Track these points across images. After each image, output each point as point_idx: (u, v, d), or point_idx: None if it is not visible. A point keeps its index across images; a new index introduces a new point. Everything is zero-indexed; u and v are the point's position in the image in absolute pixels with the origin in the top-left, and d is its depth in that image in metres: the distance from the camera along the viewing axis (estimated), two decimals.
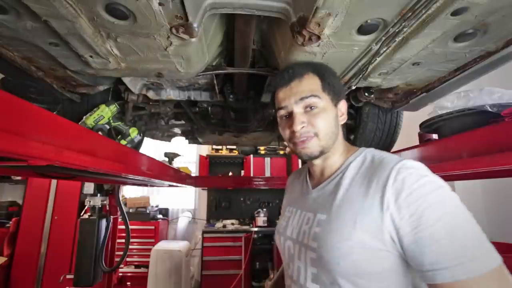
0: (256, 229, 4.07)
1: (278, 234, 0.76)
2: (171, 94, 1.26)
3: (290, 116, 0.69)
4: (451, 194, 0.51)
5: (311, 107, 0.67)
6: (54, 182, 3.17)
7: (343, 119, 0.73)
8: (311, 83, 0.68)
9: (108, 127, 1.20)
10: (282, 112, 0.71)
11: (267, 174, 4.57)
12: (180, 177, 2.02)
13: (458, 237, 0.47)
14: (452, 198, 0.51)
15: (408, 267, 0.54)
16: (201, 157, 4.73)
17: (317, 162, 0.72)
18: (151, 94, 1.24)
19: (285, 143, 0.74)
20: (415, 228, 0.49)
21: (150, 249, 3.37)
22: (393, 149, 1.41)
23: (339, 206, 0.61)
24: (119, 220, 2.11)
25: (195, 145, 4.09)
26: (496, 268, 0.45)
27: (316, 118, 0.66)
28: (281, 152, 4.64)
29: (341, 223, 0.58)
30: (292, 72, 0.70)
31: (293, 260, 0.68)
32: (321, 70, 0.70)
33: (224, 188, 4.44)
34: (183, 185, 2.19)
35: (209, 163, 4.74)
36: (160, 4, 0.57)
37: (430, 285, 0.49)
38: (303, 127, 0.66)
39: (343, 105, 0.73)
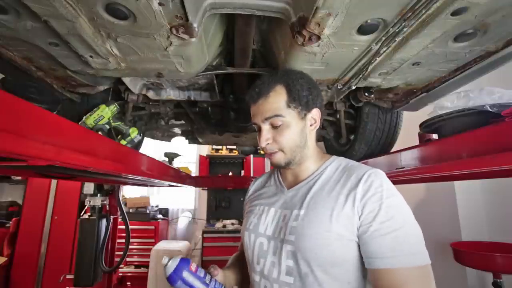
0: None
1: (248, 232, 0.77)
2: (171, 94, 1.26)
3: (260, 130, 0.74)
4: (403, 201, 0.63)
5: (276, 124, 0.71)
6: (54, 182, 3.17)
7: (315, 127, 0.76)
8: (276, 101, 0.71)
9: (108, 127, 1.20)
10: (254, 126, 0.77)
11: None
12: (180, 177, 2.02)
13: (399, 236, 0.58)
14: (403, 205, 0.63)
15: None
16: (201, 157, 4.73)
17: (292, 167, 0.77)
18: (151, 94, 1.24)
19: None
20: (370, 222, 0.60)
21: (150, 249, 3.37)
22: (393, 149, 1.41)
23: (316, 202, 0.68)
24: (119, 220, 2.11)
25: (195, 145, 4.08)
26: (422, 266, 0.57)
27: (280, 135, 0.71)
28: None
29: (318, 217, 0.65)
30: (259, 90, 0.72)
31: (265, 257, 0.71)
32: (289, 83, 0.71)
33: (224, 188, 4.43)
34: (183, 185, 2.19)
35: (209, 163, 4.73)
36: (160, 4, 0.57)
37: (370, 270, 0.60)
38: (268, 143, 0.73)
39: (315, 113, 0.75)
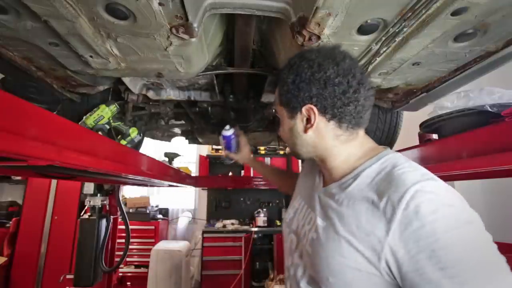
0: (256, 229, 4.06)
1: (285, 224, 0.75)
2: (171, 94, 1.26)
3: None
4: (474, 228, 0.43)
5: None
6: (54, 182, 3.16)
7: (312, 126, 0.61)
8: (276, 94, 0.70)
9: (108, 127, 1.20)
10: None
11: None
12: (180, 177, 2.02)
13: (471, 283, 0.40)
14: (475, 237, 0.43)
15: None
16: (201, 157, 4.73)
17: (319, 164, 0.68)
18: (151, 94, 1.24)
19: None
20: (419, 268, 0.42)
21: (150, 249, 3.37)
22: (393, 149, 1.40)
23: (341, 217, 0.55)
24: (119, 220, 2.11)
25: (195, 145, 4.08)
26: None
27: (280, 127, 0.71)
28: (281, 152, 4.64)
29: (337, 237, 0.53)
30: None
31: (293, 255, 0.66)
32: (282, 75, 0.64)
33: (224, 188, 4.43)
34: (183, 185, 2.19)
35: (209, 163, 4.73)
36: (160, 4, 0.57)
37: None
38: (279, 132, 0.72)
39: (309, 112, 0.60)
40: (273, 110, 0.76)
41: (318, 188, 0.68)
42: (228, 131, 1.17)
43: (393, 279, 0.47)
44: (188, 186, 2.45)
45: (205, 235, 3.95)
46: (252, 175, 4.46)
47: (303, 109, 0.61)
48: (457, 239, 0.41)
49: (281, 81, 0.64)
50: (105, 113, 1.17)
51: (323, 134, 0.62)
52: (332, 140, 0.62)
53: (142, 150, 1.62)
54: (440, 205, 0.44)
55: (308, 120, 0.61)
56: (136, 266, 3.71)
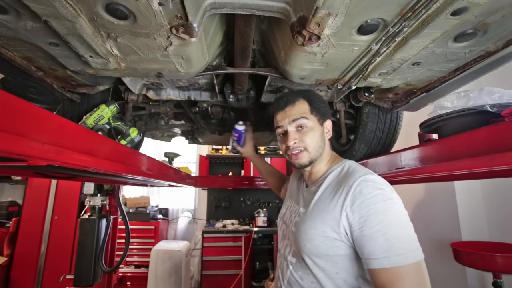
0: (256, 229, 4.06)
1: (280, 218, 1.00)
2: (171, 94, 1.26)
3: (285, 134, 0.88)
4: (395, 204, 0.68)
5: (301, 127, 0.86)
6: (54, 182, 3.17)
7: (329, 135, 0.91)
8: (301, 107, 0.87)
9: (108, 127, 1.20)
10: (279, 130, 0.91)
11: None
12: (180, 177, 2.02)
13: (390, 238, 0.64)
14: (395, 208, 0.67)
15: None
16: (201, 157, 4.73)
17: (307, 169, 0.90)
18: (151, 94, 1.24)
19: (283, 153, 0.94)
20: (361, 227, 0.67)
21: (150, 249, 3.37)
22: (393, 149, 1.41)
23: (315, 204, 0.81)
24: (119, 220, 2.11)
25: (195, 145, 4.08)
26: (414, 263, 0.63)
27: (305, 136, 0.85)
28: (281, 152, 4.64)
29: (312, 217, 0.78)
30: (287, 99, 0.89)
31: (284, 239, 0.91)
32: (309, 96, 0.88)
33: (224, 188, 4.43)
34: (183, 185, 2.19)
35: (209, 163, 4.73)
36: (160, 4, 0.57)
37: (367, 269, 0.68)
38: (295, 143, 0.85)
39: (328, 124, 0.91)
40: (293, 120, 0.89)
41: (302, 189, 0.94)
42: (241, 126, 1.33)
43: (348, 238, 0.70)
44: (188, 186, 2.45)
45: (205, 235, 3.95)
46: (252, 175, 4.47)
47: (327, 121, 0.90)
48: (380, 209, 0.67)
49: (316, 98, 0.89)
50: (105, 113, 1.17)
51: (327, 141, 0.90)
52: (328, 147, 0.90)
53: (142, 150, 1.62)
54: (374, 188, 0.70)
55: (328, 129, 0.90)
56: (136, 266, 3.72)
